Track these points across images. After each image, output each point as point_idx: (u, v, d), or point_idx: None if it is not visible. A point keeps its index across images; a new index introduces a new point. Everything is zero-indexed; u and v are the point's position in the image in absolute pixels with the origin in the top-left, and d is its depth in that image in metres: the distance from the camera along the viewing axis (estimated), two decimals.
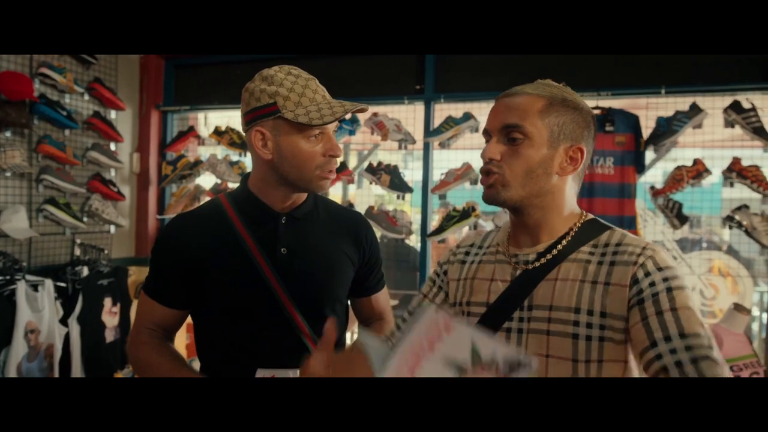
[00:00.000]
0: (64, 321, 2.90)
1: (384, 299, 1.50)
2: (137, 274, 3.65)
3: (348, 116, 1.41)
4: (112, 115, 3.51)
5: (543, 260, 1.03)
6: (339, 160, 1.28)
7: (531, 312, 1.01)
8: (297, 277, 1.28)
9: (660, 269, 0.94)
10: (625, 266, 0.96)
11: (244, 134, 1.29)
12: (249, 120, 1.25)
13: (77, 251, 3.23)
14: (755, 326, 3.82)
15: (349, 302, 1.46)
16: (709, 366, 0.85)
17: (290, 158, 1.23)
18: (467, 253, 1.17)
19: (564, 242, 1.03)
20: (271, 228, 1.30)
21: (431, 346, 0.82)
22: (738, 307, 2.32)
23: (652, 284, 0.93)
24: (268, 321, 1.27)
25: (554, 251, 1.02)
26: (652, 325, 0.90)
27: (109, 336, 3.14)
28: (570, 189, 1.06)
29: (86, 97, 3.33)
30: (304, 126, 1.20)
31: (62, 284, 2.96)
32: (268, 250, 1.28)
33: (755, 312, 3.52)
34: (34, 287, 2.76)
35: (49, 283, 2.81)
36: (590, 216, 1.08)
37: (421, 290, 1.22)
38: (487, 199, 1.06)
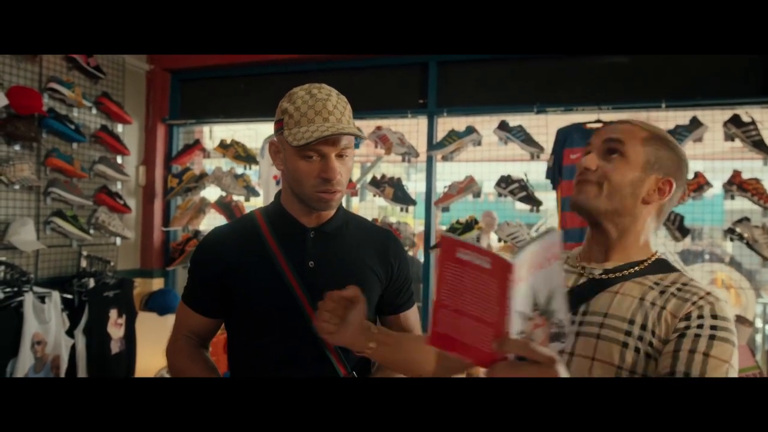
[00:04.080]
0: (70, 332, 2.92)
1: (414, 318, 1.50)
2: (142, 286, 3.67)
3: None
4: (119, 128, 3.56)
5: (610, 276, 1.07)
6: (343, 180, 1.28)
7: (585, 317, 1.05)
8: (323, 290, 1.29)
9: (714, 317, 0.96)
10: (684, 302, 0.99)
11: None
12: (274, 131, 1.31)
13: (84, 263, 3.25)
14: (759, 338, 3.82)
15: (377, 320, 1.47)
16: None
17: (292, 173, 1.28)
18: None
19: (635, 268, 1.07)
20: (300, 241, 1.33)
21: (537, 268, 0.83)
22: (740, 319, 2.34)
23: (700, 326, 0.95)
24: (294, 332, 1.30)
25: (624, 272, 1.07)
26: (681, 358, 0.93)
27: (115, 347, 3.16)
28: (651, 220, 1.10)
29: (94, 111, 3.37)
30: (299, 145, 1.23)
31: (69, 296, 2.98)
32: (296, 263, 1.31)
33: (758, 324, 3.53)
34: (41, 299, 2.78)
35: (55, 295, 2.83)
36: (662, 255, 1.12)
37: None
38: (575, 204, 1.11)
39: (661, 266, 1.09)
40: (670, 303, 1.00)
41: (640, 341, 0.98)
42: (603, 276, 1.08)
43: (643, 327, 0.99)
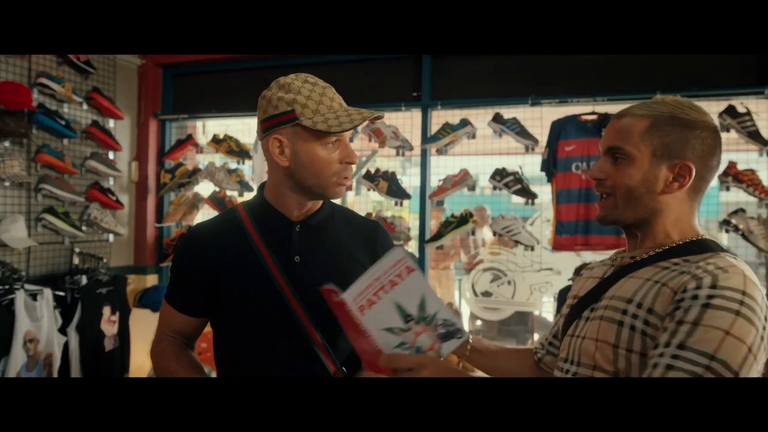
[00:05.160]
0: (63, 330, 2.91)
1: None
2: (136, 283, 3.65)
3: None
4: (111, 124, 3.53)
5: (633, 260, 1.07)
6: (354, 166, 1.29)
7: (599, 302, 1.06)
8: (309, 286, 1.27)
9: (714, 287, 0.88)
10: (685, 275, 0.93)
11: (260, 141, 1.29)
12: (266, 127, 1.25)
13: (76, 260, 3.23)
14: None
15: None
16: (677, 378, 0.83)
17: (308, 165, 1.23)
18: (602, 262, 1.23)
19: (659, 250, 1.04)
20: (286, 236, 1.30)
21: (391, 286, 0.93)
22: None
23: (695, 297, 0.88)
24: (280, 329, 1.27)
25: (646, 255, 1.05)
26: (666, 330, 0.89)
27: (108, 344, 3.14)
28: (683, 206, 1.05)
29: (85, 106, 3.34)
30: (321, 133, 1.21)
31: (61, 293, 2.96)
32: (281, 258, 1.28)
33: None
34: (33, 296, 2.76)
35: (47, 292, 2.81)
36: (705, 236, 1.05)
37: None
38: (600, 220, 1.12)
39: (699, 247, 1.02)
40: (672, 279, 0.95)
41: (635, 319, 0.96)
42: (628, 262, 1.08)
43: (639, 305, 0.97)
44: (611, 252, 1.23)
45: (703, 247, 1.01)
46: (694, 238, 1.04)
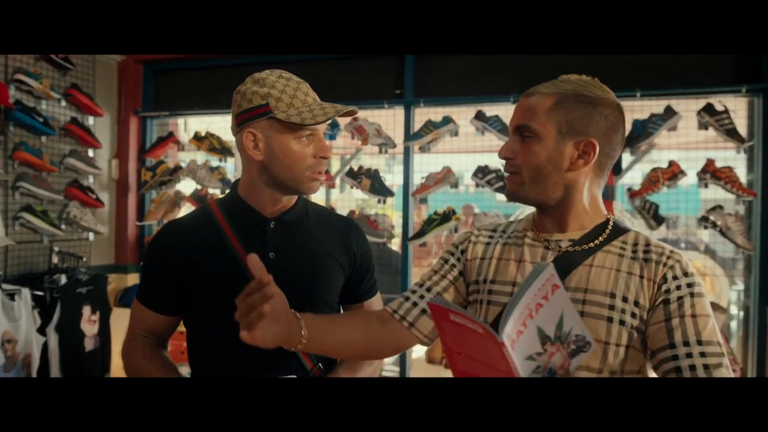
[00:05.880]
0: (42, 330, 2.86)
1: (377, 306, 1.48)
2: (117, 282, 3.61)
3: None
4: (90, 121, 3.48)
5: (579, 248, 1.07)
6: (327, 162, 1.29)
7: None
8: (285, 282, 1.27)
9: (686, 275, 1.01)
10: (656, 265, 1.02)
11: (234, 137, 1.29)
12: (240, 121, 1.25)
13: (55, 259, 3.18)
14: (733, 324, 3.88)
15: (341, 309, 1.45)
16: (720, 374, 0.93)
17: (281, 159, 1.24)
18: (491, 237, 1.20)
19: (602, 237, 1.07)
20: (260, 232, 1.29)
21: (537, 309, 0.84)
22: (715, 306, 2.36)
23: (678, 287, 0.99)
24: None
25: (593, 243, 1.07)
26: (674, 327, 0.96)
27: (89, 344, 3.10)
28: (590, 182, 1.08)
29: (63, 103, 3.29)
30: (295, 126, 1.21)
31: (40, 293, 2.92)
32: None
33: (732, 311, 3.59)
34: (11, 296, 2.72)
35: (26, 292, 2.77)
36: (612, 215, 1.12)
37: (432, 266, 1.24)
38: (508, 196, 1.13)
39: (619, 228, 1.09)
40: (645, 269, 1.02)
41: (623, 313, 0.99)
42: (571, 248, 1.07)
43: (624, 299, 1.00)
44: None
45: (622, 227, 1.10)
46: (610, 217, 1.11)
